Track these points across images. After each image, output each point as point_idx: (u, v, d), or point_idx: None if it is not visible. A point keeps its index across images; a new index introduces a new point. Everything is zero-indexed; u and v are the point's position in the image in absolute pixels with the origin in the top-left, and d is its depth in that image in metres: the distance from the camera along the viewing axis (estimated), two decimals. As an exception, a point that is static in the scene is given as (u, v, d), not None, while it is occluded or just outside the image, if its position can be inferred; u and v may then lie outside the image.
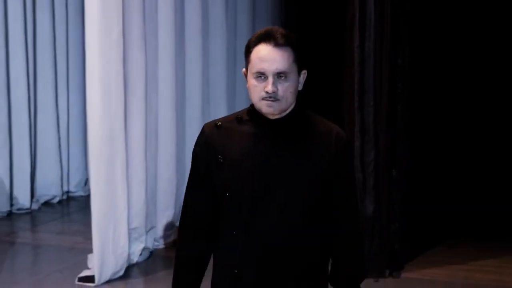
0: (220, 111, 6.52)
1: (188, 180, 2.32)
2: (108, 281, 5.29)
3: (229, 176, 2.19)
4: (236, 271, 2.18)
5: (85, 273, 5.38)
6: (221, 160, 2.20)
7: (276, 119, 2.19)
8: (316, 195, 2.19)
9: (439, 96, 8.10)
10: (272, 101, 2.13)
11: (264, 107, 2.15)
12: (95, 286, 5.22)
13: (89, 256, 5.63)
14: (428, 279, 5.55)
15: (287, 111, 2.19)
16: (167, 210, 6.27)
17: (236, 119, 2.26)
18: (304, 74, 2.21)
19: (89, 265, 5.53)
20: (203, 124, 6.32)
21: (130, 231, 5.56)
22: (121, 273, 5.42)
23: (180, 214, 2.39)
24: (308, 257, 2.20)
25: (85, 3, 5.12)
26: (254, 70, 2.14)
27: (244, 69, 2.22)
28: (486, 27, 8.12)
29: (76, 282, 5.30)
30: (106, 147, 5.25)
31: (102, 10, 5.08)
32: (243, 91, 6.47)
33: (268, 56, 2.11)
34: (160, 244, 6.19)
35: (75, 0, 8.45)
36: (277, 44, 2.11)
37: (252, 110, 2.24)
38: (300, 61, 2.17)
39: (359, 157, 5.61)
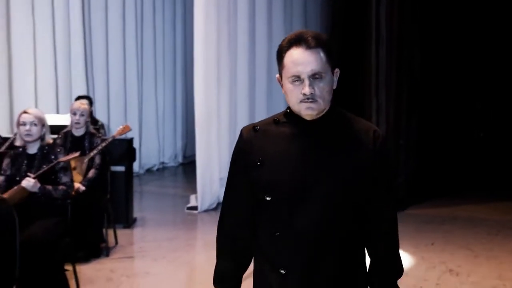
0: (279, 100, 9.07)
1: (227, 182, 2.32)
2: (206, 210, 7.96)
3: (268, 178, 2.16)
4: (282, 271, 2.17)
5: (190, 204, 8.09)
6: (260, 162, 2.18)
7: (313, 120, 2.17)
8: (356, 192, 2.15)
9: (444, 87, 10.44)
10: (310, 102, 2.11)
11: (304, 110, 2.13)
12: (198, 212, 7.91)
13: (191, 196, 8.33)
14: (423, 214, 8.02)
15: (324, 112, 2.17)
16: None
17: (273, 121, 2.24)
18: (337, 72, 2.18)
19: (191, 202, 8.21)
20: (267, 108, 9.01)
21: (220, 179, 8.18)
22: (214, 206, 8.05)
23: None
24: (349, 254, 2.18)
25: (194, 27, 7.80)
26: (289, 75, 2.12)
27: (277, 75, 2.22)
28: (485, 29, 10.29)
29: (185, 210, 8.01)
30: (206, 122, 7.92)
31: (204, 31, 7.77)
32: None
33: (301, 59, 2.10)
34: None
35: (170, 18, 11.25)
36: (308, 47, 2.10)
37: (289, 113, 2.22)
38: (332, 60, 2.14)
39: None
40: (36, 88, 8.57)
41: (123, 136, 6.71)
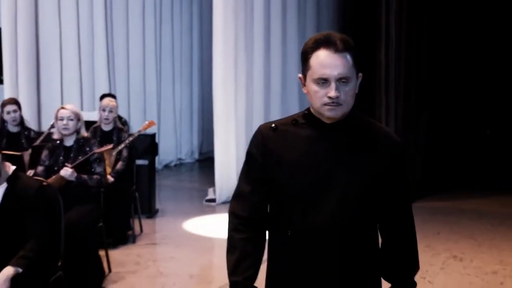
0: (293, 99, 9.48)
1: (241, 176, 2.30)
2: (223, 202, 8.38)
3: (285, 178, 2.16)
4: (294, 271, 2.19)
5: (208, 197, 8.52)
6: (277, 163, 2.18)
7: (332, 123, 2.16)
8: (371, 196, 2.17)
9: (451, 87, 10.82)
10: (335, 106, 2.09)
11: (327, 112, 2.11)
12: (216, 204, 8.34)
13: (209, 189, 8.76)
14: (430, 206, 8.40)
15: (344, 116, 2.16)
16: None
17: (292, 122, 2.23)
18: (360, 77, 2.18)
19: (209, 195, 8.64)
20: (281, 106, 9.49)
21: (237, 173, 8.58)
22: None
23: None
24: (363, 255, 2.20)
25: (213, 30, 8.23)
26: (316, 76, 2.10)
27: (300, 75, 2.20)
28: (492, 30, 10.64)
29: (204, 202, 8.44)
30: (224, 118, 8.34)
31: (223, 33, 8.20)
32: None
33: (330, 62, 2.07)
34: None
35: (187, 20, 11.68)
36: (337, 50, 2.08)
37: (308, 114, 2.22)
38: (357, 65, 2.13)
39: (384, 125, 8.50)
40: (62, 87, 9.01)
41: (146, 132, 7.12)
